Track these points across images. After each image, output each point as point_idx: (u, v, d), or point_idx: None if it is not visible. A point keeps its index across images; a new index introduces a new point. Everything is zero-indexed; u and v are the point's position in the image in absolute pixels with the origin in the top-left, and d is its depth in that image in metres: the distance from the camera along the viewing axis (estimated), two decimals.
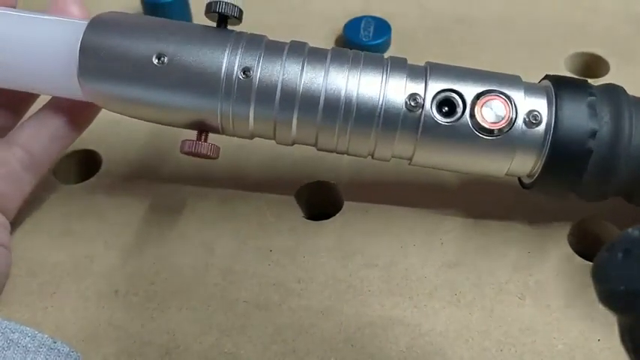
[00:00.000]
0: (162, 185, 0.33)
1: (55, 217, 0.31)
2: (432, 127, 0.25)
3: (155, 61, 0.25)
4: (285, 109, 0.26)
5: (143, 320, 0.27)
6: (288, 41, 0.27)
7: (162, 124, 0.28)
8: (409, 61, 0.27)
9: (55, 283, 0.29)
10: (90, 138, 0.32)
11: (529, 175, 0.27)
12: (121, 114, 0.27)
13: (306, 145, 0.28)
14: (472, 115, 0.25)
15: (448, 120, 0.25)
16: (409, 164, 0.27)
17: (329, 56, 0.26)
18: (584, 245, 0.30)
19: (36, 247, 0.30)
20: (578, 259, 0.29)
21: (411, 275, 0.29)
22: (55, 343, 0.23)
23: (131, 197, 0.32)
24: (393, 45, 0.40)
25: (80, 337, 0.27)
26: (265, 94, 0.25)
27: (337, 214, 0.31)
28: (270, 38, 0.27)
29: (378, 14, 0.41)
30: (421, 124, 0.25)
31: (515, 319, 0.27)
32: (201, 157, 0.27)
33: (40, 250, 0.30)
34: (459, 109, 0.25)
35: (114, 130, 0.35)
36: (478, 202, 0.31)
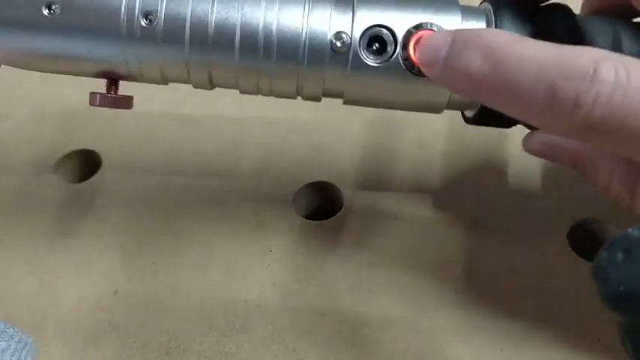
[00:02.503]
0: (162, 185, 0.33)
1: (55, 217, 0.31)
2: (361, 67, 0.23)
3: (45, 11, 0.23)
4: (197, 51, 0.23)
5: (143, 320, 0.27)
6: None
7: (67, 74, 0.26)
8: None
9: (55, 283, 0.29)
10: (90, 138, 0.32)
11: (471, 108, 0.26)
12: (19, 68, 0.26)
13: (227, 87, 0.25)
14: (405, 54, 0.23)
15: (379, 60, 0.23)
16: (343, 103, 0.26)
17: None
18: (584, 245, 0.30)
19: (36, 247, 0.30)
20: (578, 259, 0.29)
21: (411, 275, 0.29)
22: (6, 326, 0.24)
23: (131, 197, 0.32)
24: None
25: (80, 337, 0.27)
26: (173, 36, 0.23)
27: (337, 214, 0.31)
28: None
29: None
30: (349, 65, 0.23)
31: (515, 319, 0.27)
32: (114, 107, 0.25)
33: (40, 250, 0.30)
34: (390, 48, 0.23)
35: (114, 130, 0.35)
36: (478, 202, 0.31)
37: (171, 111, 0.35)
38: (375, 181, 0.33)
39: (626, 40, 0.22)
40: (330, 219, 0.31)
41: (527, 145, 0.25)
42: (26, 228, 0.31)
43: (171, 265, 0.29)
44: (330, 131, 0.34)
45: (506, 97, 0.18)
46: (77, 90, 0.29)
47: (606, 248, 0.17)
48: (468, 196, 0.32)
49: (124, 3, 0.23)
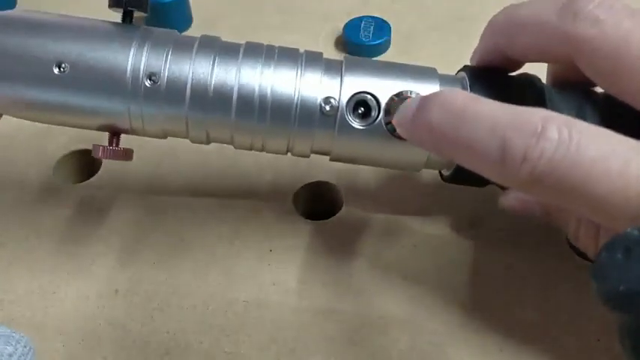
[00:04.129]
0: (162, 185, 0.33)
1: (55, 218, 0.31)
2: (347, 129, 0.25)
3: (56, 70, 0.24)
4: (196, 111, 0.25)
5: (143, 320, 0.27)
6: (198, 36, 0.26)
7: (71, 127, 0.27)
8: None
9: (55, 283, 0.29)
10: (90, 138, 0.32)
11: (447, 167, 0.27)
12: (22, 119, 0.26)
13: (223, 143, 0.27)
14: (387, 119, 0.25)
15: (364, 123, 0.25)
16: (329, 160, 0.27)
17: (242, 51, 0.25)
18: None
19: (36, 247, 0.30)
20: (578, 259, 0.29)
21: (411, 275, 0.29)
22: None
23: (131, 197, 0.32)
24: (393, 45, 0.40)
25: (80, 337, 0.27)
26: (174, 95, 0.24)
27: (337, 214, 0.31)
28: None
29: (377, 14, 0.41)
30: (336, 127, 0.25)
31: (515, 320, 0.27)
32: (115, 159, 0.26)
33: (40, 250, 0.30)
34: (374, 113, 0.25)
35: None
36: (478, 202, 0.31)
37: None
38: (375, 181, 0.33)
39: (589, 115, 0.24)
40: (330, 219, 0.31)
41: (503, 203, 0.26)
42: (26, 228, 0.31)
43: (172, 265, 0.29)
44: None
45: (464, 150, 0.20)
46: None
47: (606, 248, 0.17)
48: (467, 197, 0.31)
49: (129, 64, 0.24)
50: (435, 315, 0.27)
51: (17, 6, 0.44)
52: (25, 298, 0.28)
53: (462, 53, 0.39)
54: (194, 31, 0.42)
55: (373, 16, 0.41)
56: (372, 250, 0.30)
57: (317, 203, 0.33)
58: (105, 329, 0.27)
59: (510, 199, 0.26)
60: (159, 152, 0.34)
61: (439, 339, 0.26)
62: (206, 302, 0.28)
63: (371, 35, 0.39)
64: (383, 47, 0.40)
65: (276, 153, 0.27)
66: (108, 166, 0.34)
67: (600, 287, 0.17)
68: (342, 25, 0.40)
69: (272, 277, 0.29)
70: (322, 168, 0.33)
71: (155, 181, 0.33)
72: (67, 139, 0.35)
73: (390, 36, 0.40)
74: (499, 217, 0.30)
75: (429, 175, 0.32)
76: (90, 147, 0.34)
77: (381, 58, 0.40)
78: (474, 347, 0.26)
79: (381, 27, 0.40)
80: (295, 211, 0.31)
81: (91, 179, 0.33)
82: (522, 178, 0.19)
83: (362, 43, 0.39)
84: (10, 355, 0.24)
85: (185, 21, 0.42)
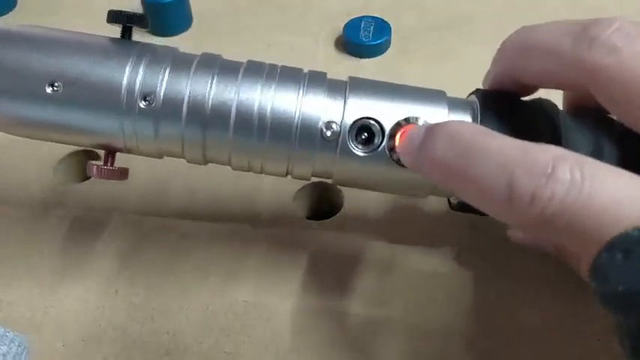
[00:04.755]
0: (162, 185, 0.33)
1: (55, 218, 0.31)
2: (349, 155, 0.24)
3: (48, 89, 0.24)
4: (193, 131, 0.24)
5: (143, 321, 0.27)
6: (199, 54, 0.25)
7: (66, 144, 0.27)
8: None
9: (55, 283, 0.29)
10: None
11: (455, 195, 0.26)
12: (16, 136, 0.26)
13: (220, 164, 0.26)
14: (391, 147, 0.24)
15: (366, 150, 0.24)
16: (331, 183, 0.26)
17: (242, 69, 0.24)
18: None
19: (36, 247, 0.30)
20: None
21: (411, 275, 0.29)
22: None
23: (131, 197, 0.32)
24: (393, 45, 0.40)
25: (80, 337, 0.27)
26: (169, 116, 0.24)
27: (337, 214, 0.31)
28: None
29: (378, 14, 0.41)
30: (338, 152, 0.24)
31: (515, 319, 0.27)
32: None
33: (40, 250, 0.30)
34: (378, 139, 0.24)
35: None
36: None
37: None
38: None
39: (607, 147, 0.23)
40: (330, 219, 0.31)
41: (513, 236, 0.26)
42: (26, 228, 0.31)
43: (172, 266, 0.29)
44: None
45: (470, 186, 0.19)
46: None
47: (606, 248, 0.17)
48: None
49: (124, 85, 0.24)
50: (435, 316, 0.27)
51: (17, 6, 0.44)
52: (25, 298, 0.28)
53: (462, 53, 0.39)
54: (194, 31, 0.42)
55: (373, 16, 0.41)
56: (372, 250, 0.30)
57: (317, 203, 0.33)
58: (105, 330, 0.27)
59: (520, 233, 0.26)
60: None
61: (439, 340, 0.26)
62: (206, 303, 0.28)
63: (371, 35, 0.39)
64: (383, 47, 0.40)
65: (276, 175, 0.26)
66: None
67: (600, 288, 0.17)
68: (342, 25, 0.40)
69: (272, 277, 0.29)
70: None
71: (155, 181, 0.33)
72: None
73: (390, 36, 0.40)
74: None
75: None
76: (90, 147, 0.34)
77: (381, 57, 0.40)
78: (475, 347, 0.26)
79: (381, 27, 0.40)
80: (295, 211, 0.31)
81: (91, 179, 0.33)
82: (530, 219, 0.18)
83: (362, 43, 0.39)
84: (5, 355, 0.24)
85: (185, 21, 0.42)
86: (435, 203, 0.31)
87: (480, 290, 0.28)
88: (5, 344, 0.24)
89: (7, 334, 0.24)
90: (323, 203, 0.33)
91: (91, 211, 0.32)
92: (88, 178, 0.33)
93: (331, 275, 0.29)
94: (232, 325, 0.27)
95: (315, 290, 0.28)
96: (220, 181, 0.33)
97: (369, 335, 0.27)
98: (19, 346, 0.25)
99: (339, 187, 0.32)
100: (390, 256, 0.29)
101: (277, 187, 0.32)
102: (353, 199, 0.32)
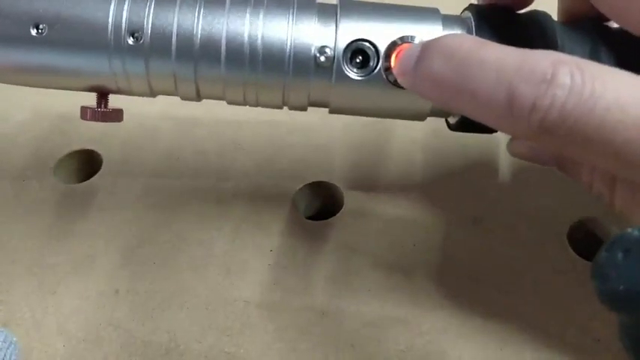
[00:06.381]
0: (163, 185, 0.33)
1: (56, 218, 0.31)
2: (345, 80, 0.24)
3: (33, 32, 0.23)
4: (184, 65, 0.24)
5: (143, 320, 0.27)
6: None
7: (58, 89, 0.26)
8: None
9: (55, 283, 0.29)
10: (90, 138, 0.32)
11: (454, 115, 0.26)
12: (8, 84, 0.26)
13: (215, 99, 0.26)
14: (387, 68, 0.23)
15: (362, 73, 0.23)
16: (328, 112, 0.26)
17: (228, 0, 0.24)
18: (584, 245, 0.30)
19: (36, 247, 0.30)
20: (578, 259, 0.29)
21: (411, 275, 0.29)
22: None
23: (131, 197, 0.32)
24: None
25: (80, 337, 0.27)
26: (159, 52, 0.23)
27: (337, 214, 0.31)
28: None
29: None
30: (333, 78, 0.23)
31: (516, 319, 0.27)
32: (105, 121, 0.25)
33: (40, 250, 0.30)
34: (373, 62, 0.23)
35: (114, 130, 0.35)
36: (477, 202, 0.31)
37: (171, 111, 0.35)
38: (375, 181, 0.33)
39: (604, 54, 0.23)
40: (330, 219, 0.31)
41: (512, 149, 0.25)
42: (27, 228, 0.31)
43: (172, 265, 0.29)
44: (331, 131, 0.34)
45: (469, 100, 0.19)
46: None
47: (606, 248, 0.17)
48: (467, 195, 0.32)
49: (110, 22, 0.23)
50: (435, 315, 0.27)
51: None
52: (25, 298, 0.28)
53: None
54: None
55: None
56: (371, 249, 0.30)
57: (317, 203, 0.33)
58: (105, 329, 0.27)
59: (518, 146, 0.25)
60: (159, 152, 0.34)
61: (439, 338, 0.26)
62: (206, 302, 0.28)
63: None
64: None
65: (272, 107, 0.25)
66: (108, 166, 0.34)
67: (600, 287, 0.17)
68: None
69: (272, 276, 0.29)
70: (322, 168, 0.33)
71: (155, 181, 0.33)
72: (67, 139, 0.35)
73: None
74: (499, 217, 0.30)
75: (430, 174, 0.32)
76: (90, 147, 0.34)
77: None
78: (474, 347, 0.26)
79: None
80: (295, 211, 0.31)
81: (91, 179, 0.33)
82: (532, 129, 0.17)
83: None
84: None
85: None
86: (435, 203, 0.31)
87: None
88: None
89: None
90: (323, 203, 0.33)
91: (91, 211, 0.32)
92: (88, 178, 0.33)
93: (331, 275, 0.29)
94: (232, 324, 0.27)
95: (315, 290, 0.28)
96: (221, 180, 0.33)
97: (369, 335, 0.27)
98: (4, 341, 0.25)
99: (338, 186, 0.32)
100: (391, 255, 0.29)
101: (277, 187, 0.32)
102: (353, 199, 0.32)
